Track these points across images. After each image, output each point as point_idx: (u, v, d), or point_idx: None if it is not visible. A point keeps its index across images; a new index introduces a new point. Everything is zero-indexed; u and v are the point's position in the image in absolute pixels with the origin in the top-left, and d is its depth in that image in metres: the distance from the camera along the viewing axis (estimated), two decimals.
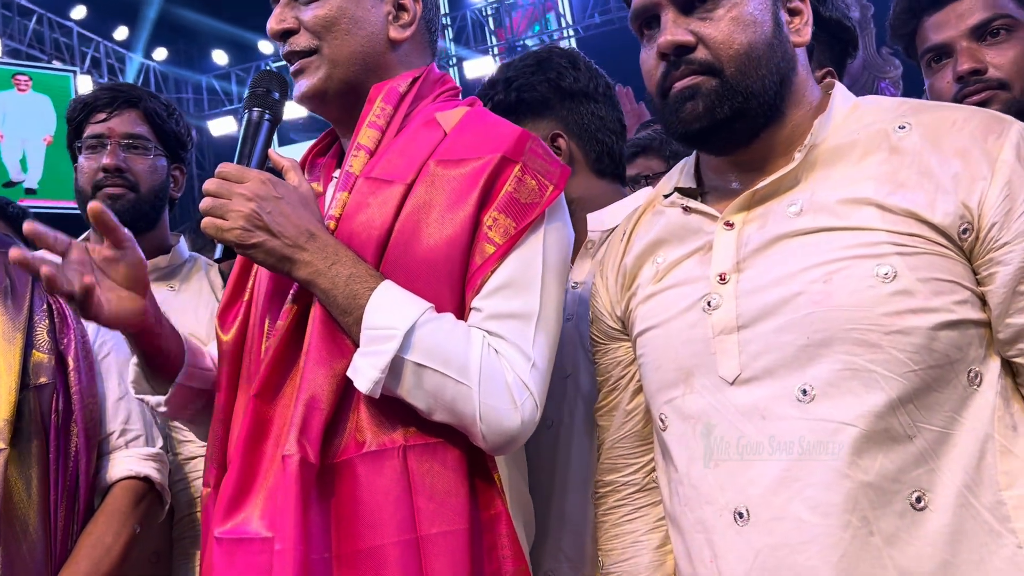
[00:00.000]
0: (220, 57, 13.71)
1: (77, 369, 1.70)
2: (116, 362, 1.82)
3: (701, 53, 1.20)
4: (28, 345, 1.64)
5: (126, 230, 1.37)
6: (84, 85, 11.33)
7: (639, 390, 1.40)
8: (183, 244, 2.35)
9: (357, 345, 1.29)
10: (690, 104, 1.21)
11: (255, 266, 1.47)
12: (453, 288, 1.35)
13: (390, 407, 1.30)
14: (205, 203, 1.32)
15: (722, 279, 1.21)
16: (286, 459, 1.23)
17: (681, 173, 1.39)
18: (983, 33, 1.68)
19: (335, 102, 1.49)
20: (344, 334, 1.32)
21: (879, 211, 1.12)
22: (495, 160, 1.36)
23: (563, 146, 1.83)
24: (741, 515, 1.14)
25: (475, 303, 1.35)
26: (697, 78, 1.21)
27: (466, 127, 1.45)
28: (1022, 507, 1.07)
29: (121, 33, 13.08)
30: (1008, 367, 1.13)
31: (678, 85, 1.22)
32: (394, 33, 1.50)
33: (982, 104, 1.59)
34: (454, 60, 13.07)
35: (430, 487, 1.27)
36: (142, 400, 1.56)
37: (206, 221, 1.32)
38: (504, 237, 1.35)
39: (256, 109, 1.44)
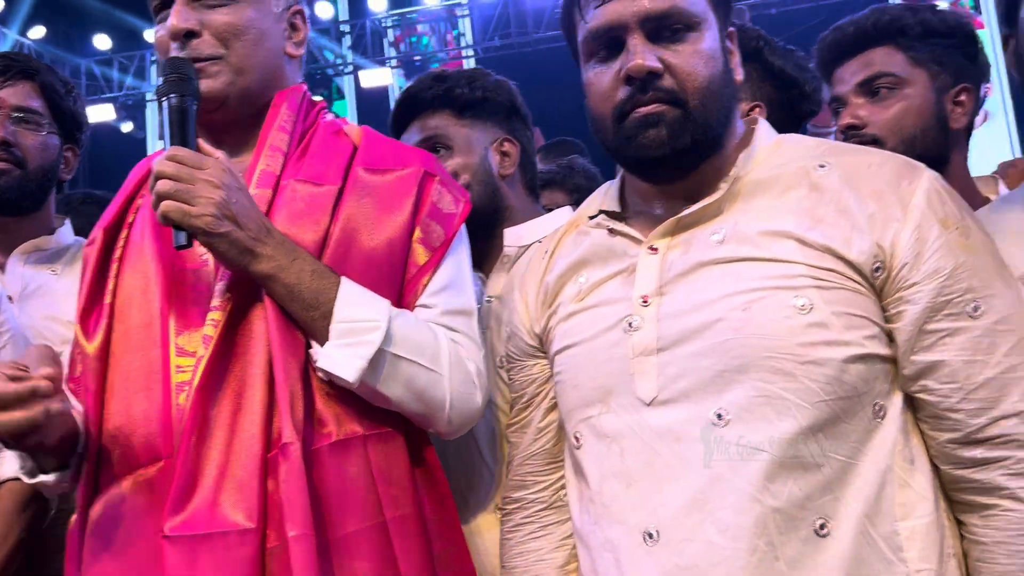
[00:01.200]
0: (102, 42, 13.08)
1: None
2: (10, 356, 1.71)
3: (668, 81, 1.23)
4: None
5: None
6: None
7: (552, 408, 1.41)
8: (67, 227, 2.24)
9: (314, 338, 1.36)
10: (653, 131, 1.23)
11: (113, 268, 1.45)
12: (392, 287, 1.45)
13: (344, 398, 1.37)
14: (164, 186, 1.28)
15: (644, 301, 1.23)
16: (288, 447, 1.27)
17: (605, 196, 1.41)
18: (868, 90, 1.77)
19: (233, 108, 1.50)
20: (297, 328, 1.36)
21: (798, 245, 1.17)
22: (420, 172, 1.51)
23: (512, 152, 1.88)
24: (651, 535, 1.15)
25: (423, 301, 1.47)
26: (662, 106, 1.22)
27: (373, 141, 1.57)
28: (914, 538, 1.13)
29: None
30: (910, 402, 1.18)
31: (643, 111, 1.23)
32: (290, 49, 1.58)
33: None
34: (350, 68, 12.91)
35: (388, 474, 1.37)
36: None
37: (169, 205, 1.28)
38: (438, 242, 1.49)
39: (175, 95, 1.39)
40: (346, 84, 13.20)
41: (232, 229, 1.30)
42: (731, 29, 1.32)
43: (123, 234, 1.50)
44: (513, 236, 1.82)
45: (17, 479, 1.60)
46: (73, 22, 12.82)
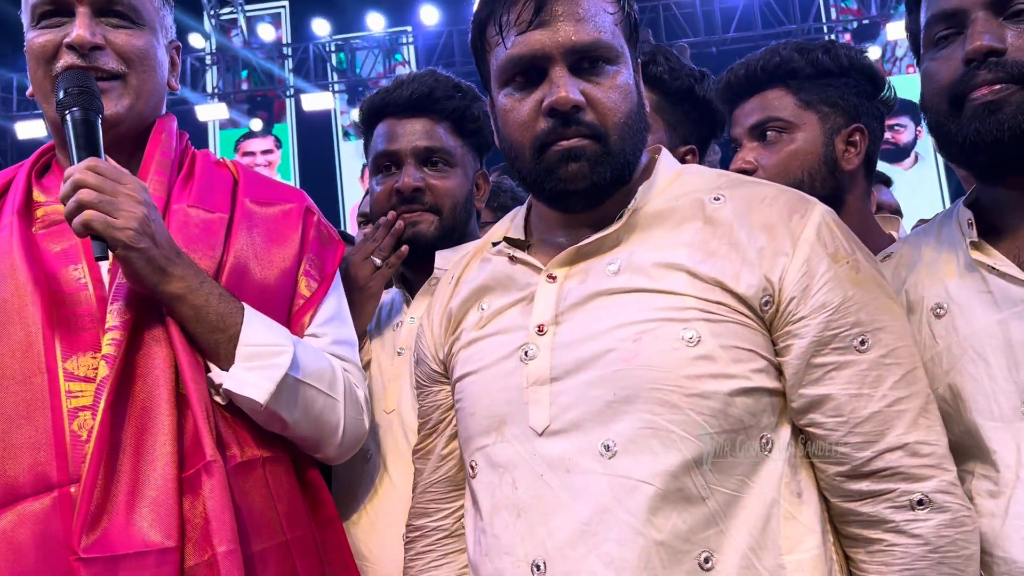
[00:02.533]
0: None
1: None
2: None
3: (590, 116, 1.22)
4: None
5: None
6: None
7: (455, 435, 1.39)
8: None
9: (216, 360, 1.37)
10: (575, 165, 1.22)
11: None
12: (281, 316, 1.50)
13: (241, 422, 1.39)
14: (87, 195, 1.26)
15: (540, 330, 1.23)
16: (211, 464, 1.28)
17: (512, 223, 1.41)
18: (760, 133, 1.76)
19: (124, 130, 1.49)
20: (197, 350, 1.37)
21: (689, 277, 1.17)
22: (302, 208, 1.61)
23: (483, 186, 1.96)
24: (539, 567, 1.14)
25: (312, 331, 1.53)
26: (584, 141, 1.21)
27: (250, 174, 1.63)
28: (800, 571, 1.13)
29: None
30: (798, 435, 1.19)
31: (564, 144, 1.22)
32: (172, 81, 1.61)
33: None
34: (291, 91, 12.85)
35: (285, 495, 1.42)
36: None
37: (92, 215, 1.25)
38: (321, 276, 1.58)
39: (79, 108, 1.37)
40: (288, 107, 13.14)
41: (149, 246, 1.30)
42: (638, 61, 1.33)
43: None
44: (443, 259, 1.81)
45: None
46: (4, 36, 12.56)
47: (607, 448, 1.13)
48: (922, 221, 2.48)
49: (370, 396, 1.64)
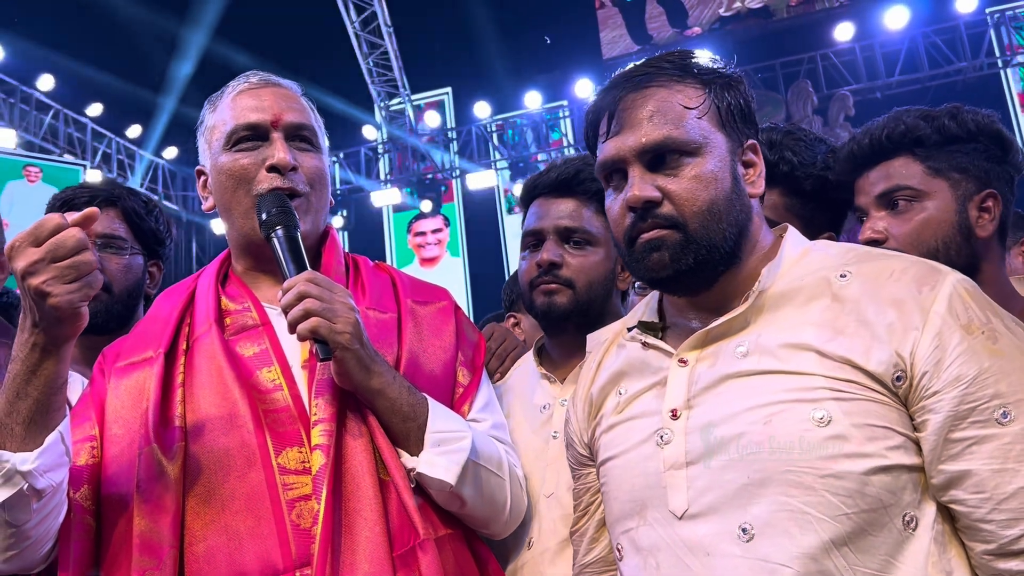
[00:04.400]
0: None
1: None
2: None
3: (667, 208, 1.28)
4: None
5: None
6: (93, 179, 11.59)
7: (603, 519, 1.43)
8: None
9: (407, 447, 1.49)
10: (656, 255, 1.29)
11: (177, 393, 1.50)
12: (446, 402, 1.60)
13: (424, 501, 1.50)
14: (312, 304, 1.41)
15: (674, 415, 1.26)
16: (426, 543, 1.43)
17: (647, 307, 1.46)
18: (888, 202, 1.71)
19: (307, 243, 1.59)
20: (391, 438, 1.49)
21: (818, 357, 1.18)
22: (452, 305, 1.77)
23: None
24: None
25: (473, 416, 1.64)
26: (662, 231, 1.28)
27: (403, 276, 1.79)
28: None
29: (134, 131, 13.44)
30: (946, 512, 1.15)
31: (645, 237, 1.29)
32: (331, 199, 1.75)
33: None
34: (457, 171, 13.41)
35: (464, 569, 1.51)
36: None
37: (317, 322, 1.40)
38: (473, 366, 1.71)
39: (282, 227, 1.52)
40: (455, 187, 13.69)
41: (360, 348, 1.45)
42: (751, 142, 1.36)
43: (181, 360, 1.56)
44: (593, 341, 1.85)
45: None
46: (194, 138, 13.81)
47: (744, 531, 1.14)
48: None
49: (527, 479, 1.71)
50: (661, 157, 1.29)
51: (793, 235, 1.37)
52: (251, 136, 1.61)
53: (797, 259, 1.32)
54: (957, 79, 11.19)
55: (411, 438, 1.49)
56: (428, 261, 13.84)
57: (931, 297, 1.17)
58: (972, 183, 1.68)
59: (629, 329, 1.44)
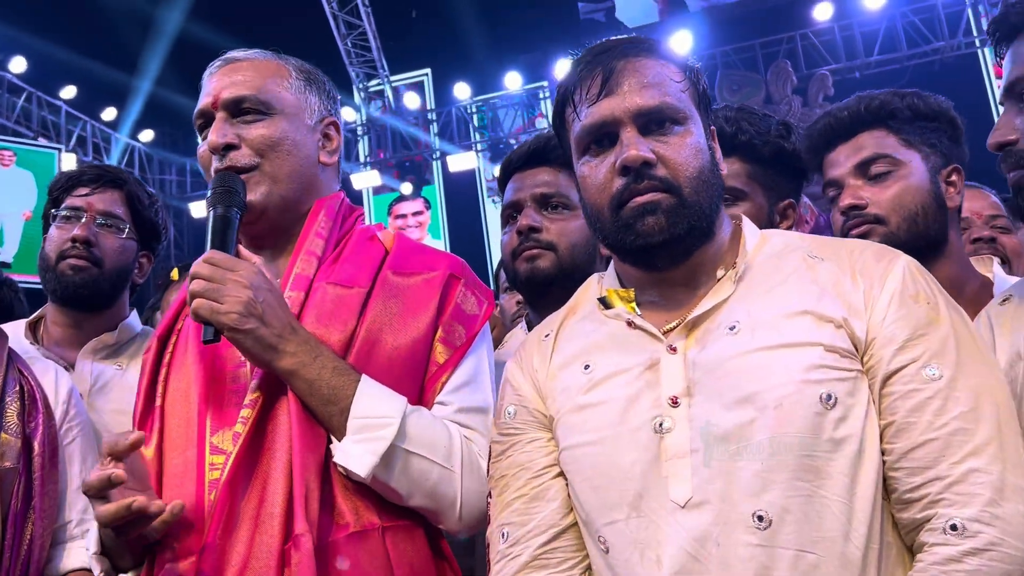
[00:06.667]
0: None
1: (42, 454, 1.70)
2: (80, 449, 1.81)
3: (661, 171, 1.27)
4: None
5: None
6: (68, 163, 11.45)
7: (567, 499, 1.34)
8: (134, 318, 2.36)
9: (332, 433, 1.41)
10: (651, 218, 1.27)
11: (162, 372, 1.55)
12: (413, 385, 1.51)
13: (361, 492, 1.41)
14: (197, 285, 1.39)
15: (674, 403, 1.22)
16: (300, 538, 1.31)
17: (600, 285, 1.43)
18: (865, 172, 1.80)
19: (272, 217, 1.57)
20: (317, 423, 1.41)
21: (814, 320, 1.20)
22: (445, 275, 1.59)
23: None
24: None
25: (441, 398, 1.52)
26: (658, 195, 1.27)
27: (404, 246, 1.65)
28: None
29: (109, 114, 13.26)
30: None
31: (640, 200, 1.27)
32: (324, 157, 1.66)
33: (863, 236, 1.71)
34: (438, 153, 13.34)
35: (408, 565, 1.42)
36: None
37: (199, 303, 1.38)
38: (459, 342, 1.55)
39: (221, 206, 1.50)
40: (435, 169, 13.64)
41: (257, 326, 1.38)
42: (712, 128, 1.39)
43: (172, 340, 1.60)
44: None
45: (83, 570, 1.71)
46: (178, 125, 13.66)
47: (760, 519, 1.12)
48: None
49: None
50: (653, 122, 1.30)
51: (748, 223, 1.40)
52: (204, 123, 1.62)
53: (760, 242, 1.35)
54: (935, 59, 11.25)
55: (334, 423, 1.40)
56: None
57: (888, 269, 1.24)
58: (939, 157, 1.81)
59: (602, 300, 1.39)
